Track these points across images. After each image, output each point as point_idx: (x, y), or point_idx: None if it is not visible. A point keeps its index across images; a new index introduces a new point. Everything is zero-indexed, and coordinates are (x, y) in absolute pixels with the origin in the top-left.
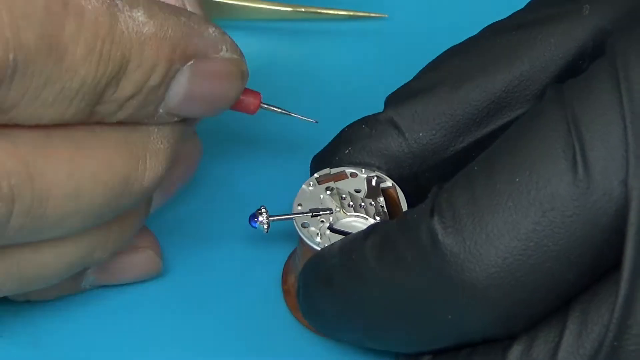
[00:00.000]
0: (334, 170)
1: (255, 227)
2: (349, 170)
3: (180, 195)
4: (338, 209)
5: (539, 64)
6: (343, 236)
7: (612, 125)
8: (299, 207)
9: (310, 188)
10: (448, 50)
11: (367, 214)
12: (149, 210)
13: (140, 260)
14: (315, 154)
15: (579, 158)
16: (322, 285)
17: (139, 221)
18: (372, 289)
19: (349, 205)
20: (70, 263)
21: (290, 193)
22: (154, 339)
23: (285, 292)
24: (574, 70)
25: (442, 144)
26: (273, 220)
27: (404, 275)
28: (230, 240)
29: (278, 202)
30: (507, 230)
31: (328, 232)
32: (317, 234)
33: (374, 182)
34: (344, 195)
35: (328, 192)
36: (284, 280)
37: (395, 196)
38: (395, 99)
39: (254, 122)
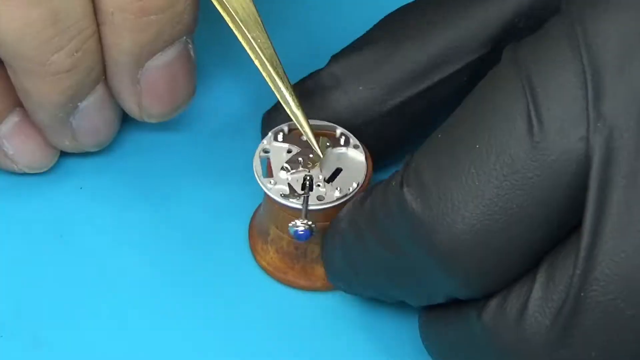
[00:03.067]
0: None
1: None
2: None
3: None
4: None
5: (476, 24)
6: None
7: (569, 83)
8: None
9: (277, 143)
10: (395, 10)
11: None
12: None
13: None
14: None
15: (534, 119)
16: (338, 248)
17: (87, 86)
18: (370, 252)
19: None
20: None
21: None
22: (154, 338)
23: (254, 250)
24: (512, 29)
25: (381, 98)
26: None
27: (387, 244)
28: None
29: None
30: (472, 197)
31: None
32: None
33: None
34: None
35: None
36: (251, 235)
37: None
38: (339, 55)
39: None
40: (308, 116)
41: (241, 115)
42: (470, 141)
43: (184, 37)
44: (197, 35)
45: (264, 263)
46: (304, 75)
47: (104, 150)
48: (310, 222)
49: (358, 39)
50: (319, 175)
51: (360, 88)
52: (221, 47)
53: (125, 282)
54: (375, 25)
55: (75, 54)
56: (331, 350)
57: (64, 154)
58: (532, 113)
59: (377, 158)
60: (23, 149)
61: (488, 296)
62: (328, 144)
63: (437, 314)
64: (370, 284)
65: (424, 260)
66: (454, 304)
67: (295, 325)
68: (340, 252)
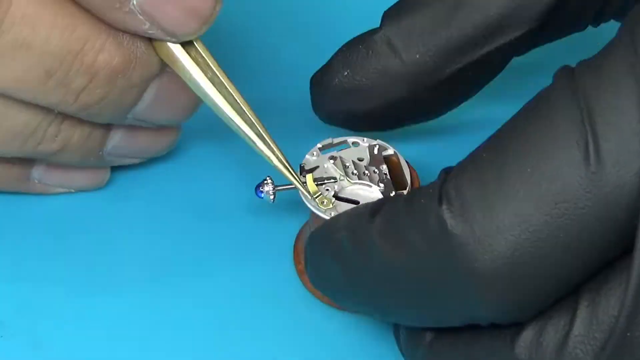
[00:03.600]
0: (336, 140)
1: (261, 197)
2: (351, 139)
3: (188, 171)
4: (342, 177)
5: None
6: (350, 204)
7: (627, 115)
8: (302, 179)
9: (314, 157)
10: None
11: (370, 181)
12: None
13: (87, 174)
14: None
15: (591, 149)
16: (329, 256)
17: (100, 136)
18: (377, 267)
19: (352, 173)
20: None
21: (294, 164)
22: (155, 337)
23: (300, 273)
24: (562, 5)
25: (439, 65)
26: (279, 189)
27: (410, 259)
28: (238, 216)
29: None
30: (518, 222)
31: (334, 200)
32: (324, 202)
33: (376, 151)
34: (347, 164)
35: (332, 161)
36: (298, 261)
37: (398, 163)
38: (391, 16)
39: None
40: (362, 82)
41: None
42: (521, 164)
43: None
44: None
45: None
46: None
47: None
48: (274, 189)
49: None
50: (341, 187)
51: (417, 56)
52: None
53: (125, 282)
54: None
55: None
56: None
57: None
58: (590, 143)
59: (428, 119)
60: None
61: (517, 325)
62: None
63: (450, 347)
64: (363, 297)
65: (455, 281)
66: (468, 335)
67: (336, 346)
68: (331, 261)
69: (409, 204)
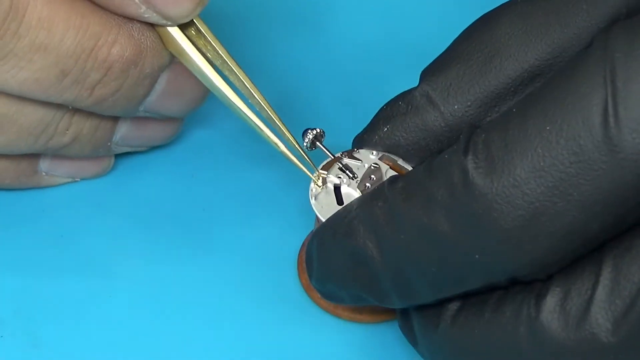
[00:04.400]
0: (401, 162)
1: (303, 140)
2: (408, 166)
3: (203, 178)
4: (357, 181)
5: (571, 32)
6: (334, 202)
7: None
8: (339, 155)
9: (369, 156)
10: (480, 18)
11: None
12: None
13: (93, 163)
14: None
15: (611, 115)
16: (341, 237)
17: (108, 128)
18: (401, 231)
19: (366, 185)
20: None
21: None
22: (156, 336)
23: (307, 288)
24: None
25: (478, 115)
26: (318, 146)
27: (433, 214)
28: (245, 216)
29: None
30: (534, 177)
31: (330, 186)
32: (321, 179)
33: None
34: (374, 178)
35: (372, 167)
36: (301, 270)
37: None
38: (429, 72)
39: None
40: (402, 137)
41: None
42: (543, 122)
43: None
44: None
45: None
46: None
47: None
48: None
49: (444, 52)
50: (348, 185)
51: (457, 107)
52: None
53: (125, 283)
54: (461, 37)
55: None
56: None
57: None
58: (610, 108)
59: None
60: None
61: (539, 293)
62: None
63: (471, 322)
64: (369, 278)
65: (475, 233)
66: (494, 295)
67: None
68: (342, 242)
69: (428, 164)
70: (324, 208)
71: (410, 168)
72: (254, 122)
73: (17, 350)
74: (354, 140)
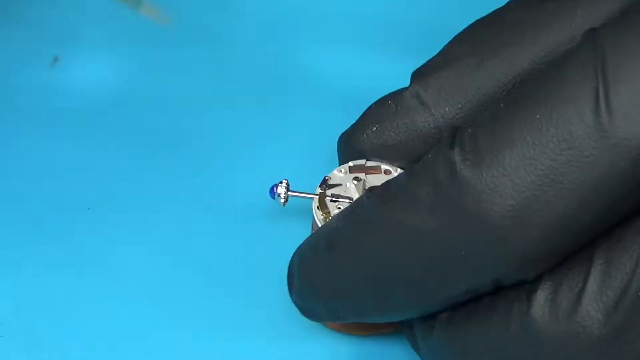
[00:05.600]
0: (370, 163)
1: (273, 198)
2: (384, 167)
3: (203, 174)
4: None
5: (564, 36)
6: None
7: (639, 73)
8: (320, 190)
9: (341, 174)
10: (474, 23)
11: None
12: None
13: None
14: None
15: (602, 101)
16: (320, 252)
17: None
18: (380, 237)
19: None
20: None
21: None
22: (156, 336)
23: None
24: None
25: (469, 118)
26: (292, 195)
27: (417, 213)
28: (244, 219)
29: (306, 184)
30: (524, 165)
31: None
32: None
33: None
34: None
35: (355, 182)
36: None
37: None
38: (421, 74)
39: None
40: (391, 138)
41: None
42: (532, 110)
43: None
44: None
45: None
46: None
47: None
48: (287, 193)
49: (437, 55)
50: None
51: (447, 109)
52: None
53: (125, 283)
54: (454, 40)
55: None
56: None
57: (63, 158)
58: (601, 94)
59: None
60: None
61: (530, 288)
62: None
63: (465, 323)
64: (357, 293)
65: (462, 227)
66: (482, 308)
67: None
68: (326, 256)
69: (409, 169)
70: None
71: (389, 168)
72: None
73: (17, 350)
74: (339, 139)
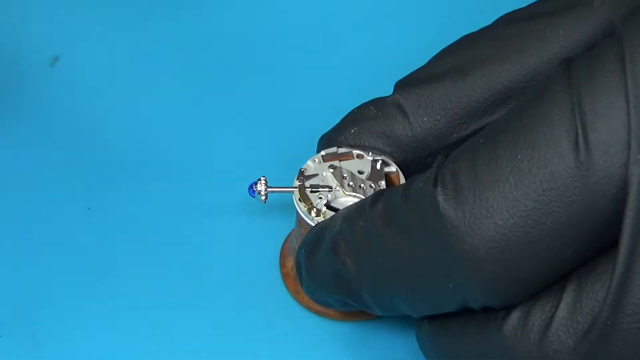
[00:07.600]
0: (341, 150)
1: (253, 196)
2: (356, 152)
3: (181, 169)
4: (338, 188)
5: (546, 56)
6: None
7: (616, 108)
8: (299, 182)
9: (315, 164)
10: (461, 38)
11: (364, 195)
12: None
13: None
14: (323, 132)
15: (581, 139)
16: (325, 252)
17: None
18: (378, 254)
19: (349, 185)
20: None
21: (295, 168)
22: (155, 336)
23: (284, 275)
24: None
25: (446, 130)
26: (271, 191)
27: (408, 243)
28: (228, 217)
29: (281, 177)
30: (507, 207)
31: (324, 209)
32: (314, 210)
33: (378, 166)
34: (345, 175)
35: (331, 170)
36: (282, 264)
37: (398, 182)
38: (404, 84)
39: (262, 96)
40: (368, 142)
41: None
42: (513, 151)
43: None
44: None
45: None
46: None
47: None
48: (267, 190)
49: (422, 67)
50: (335, 197)
51: (425, 119)
52: None
53: (125, 283)
54: (439, 54)
55: None
56: None
57: (63, 158)
58: (580, 133)
59: None
60: None
61: (508, 307)
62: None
63: (447, 324)
64: (358, 292)
65: (447, 263)
66: (466, 314)
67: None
68: (328, 255)
69: (406, 189)
70: None
71: (361, 152)
72: None
73: (17, 350)
74: (320, 139)
